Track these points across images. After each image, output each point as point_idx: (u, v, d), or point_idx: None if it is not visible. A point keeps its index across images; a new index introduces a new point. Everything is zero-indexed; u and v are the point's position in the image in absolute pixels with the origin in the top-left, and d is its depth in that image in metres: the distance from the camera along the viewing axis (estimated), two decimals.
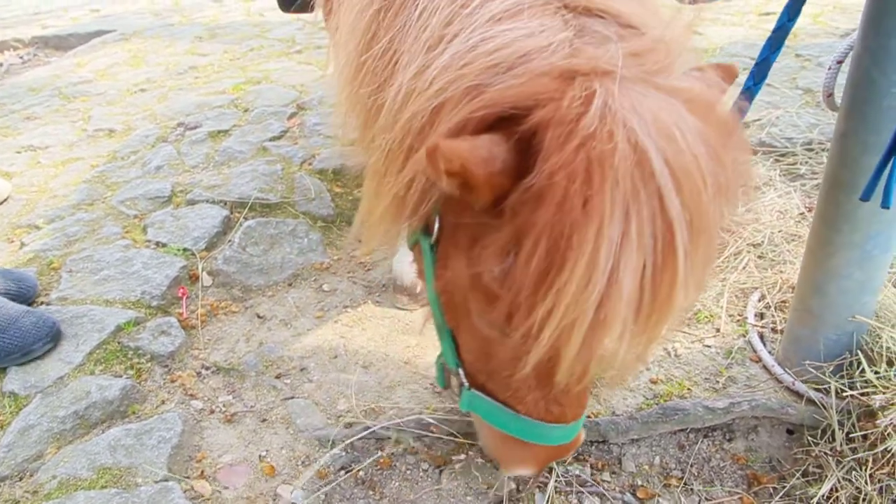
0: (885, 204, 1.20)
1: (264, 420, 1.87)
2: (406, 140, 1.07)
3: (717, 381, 1.85)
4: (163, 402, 1.92)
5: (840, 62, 1.48)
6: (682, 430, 1.71)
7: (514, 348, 1.00)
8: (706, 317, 2.12)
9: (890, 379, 1.53)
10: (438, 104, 1.00)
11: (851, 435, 1.57)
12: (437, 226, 1.12)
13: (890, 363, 1.59)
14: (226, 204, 2.80)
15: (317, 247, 2.61)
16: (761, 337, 1.97)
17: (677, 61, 0.96)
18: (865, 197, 1.24)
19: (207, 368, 2.05)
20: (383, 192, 1.16)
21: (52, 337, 2.04)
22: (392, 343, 2.15)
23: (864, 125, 1.40)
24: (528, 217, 0.85)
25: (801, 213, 2.34)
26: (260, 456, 1.76)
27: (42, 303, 2.28)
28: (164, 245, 2.55)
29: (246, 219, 2.70)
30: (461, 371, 1.29)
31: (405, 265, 2.34)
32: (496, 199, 0.91)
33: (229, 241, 2.58)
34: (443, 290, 1.20)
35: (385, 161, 1.13)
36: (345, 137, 1.26)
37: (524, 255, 0.86)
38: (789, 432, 1.73)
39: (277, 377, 2.02)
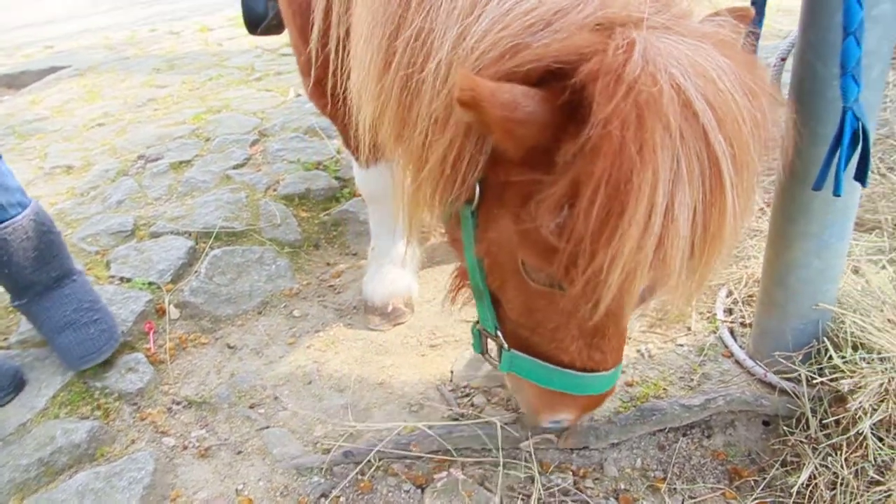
0: (837, 192, 1.23)
1: (239, 452, 1.83)
2: (450, 110, 1.08)
3: (692, 379, 1.86)
4: (133, 442, 1.87)
5: (783, 59, 1.51)
6: (660, 430, 1.72)
7: (570, 299, 1.08)
8: (677, 316, 2.14)
9: (856, 363, 1.55)
10: (482, 67, 1.01)
11: (825, 421, 1.59)
12: (477, 191, 1.16)
13: (855, 347, 1.61)
14: (190, 234, 2.76)
15: (285, 273, 2.59)
16: (731, 332, 1.99)
17: (696, 7, 1.03)
18: (817, 187, 1.27)
19: (178, 403, 2.00)
20: (427, 173, 1.17)
21: (15, 386, 1.98)
22: (366, 365, 2.13)
23: (812, 117, 1.43)
24: (584, 168, 0.89)
25: (760, 209, 2.38)
26: (237, 490, 1.72)
27: (1, 347, 2.22)
28: (128, 280, 2.50)
29: (212, 248, 2.66)
30: (500, 333, 1.34)
31: (375, 285, 2.32)
32: (527, 151, 0.97)
33: (196, 271, 2.55)
34: (486, 253, 1.24)
35: (427, 139, 1.14)
36: (372, 137, 1.28)
37: (584, 205, 0.89)
38: (765, 424, 1.75)
39: (251, 407, 1.99)
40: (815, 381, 1.60)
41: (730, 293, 2.14)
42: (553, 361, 1.26)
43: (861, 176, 1.26)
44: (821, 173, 1.25)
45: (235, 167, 3.38)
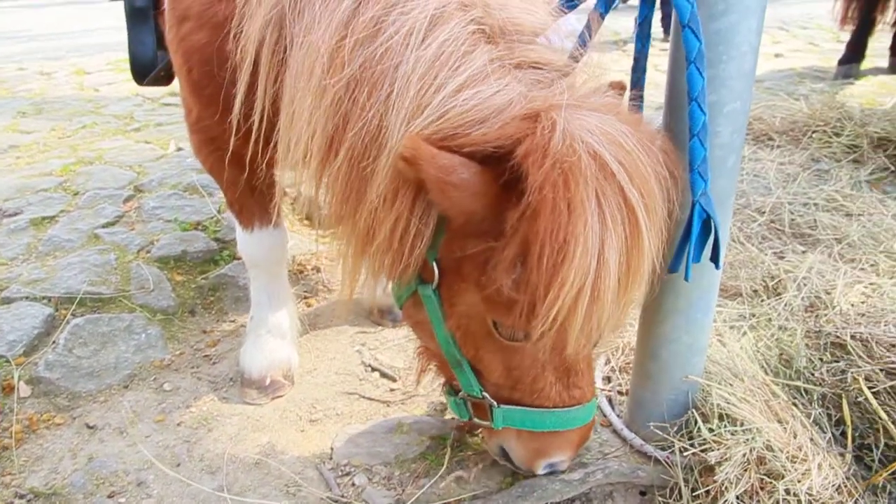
0: (686, 278, 1.37)
1: None
2: (397, 190, 1.24)
3: None
4: None
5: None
6: None
7: (539, 348, 1.32)
8: None
9: (721, 434, 1.62)
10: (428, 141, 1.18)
11: (696, 492, 1.64)
12: (436, 271, 1.32)
13: (721, 418, 1.69)
14: (50, 300, 2.53)
15: (156, 342, 2.42)
16: (610, 401, 2.04)
17: (593, 87, 1.26)
18: (672, 270, 1.39)
19: (23, 497, 1.79)
20: (376, 247, 1.30)
21: None
22: (242, 442, 2.00)
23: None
24: (529, 228, 1.09)
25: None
26: None
27: None
28: None
29: (74, 316, 2.46)
30: (485, 394, 1.48)
31: (253, 356, 2.21)
32: (467, 219, 1.19)
33: (53, 342, 2.33)
34: (457, 326, 1.39)
35: (375, 216, 1.27)
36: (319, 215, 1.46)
37: (534, 260, 1.09)
38: (642, 494, 1.78)
39: (110, 496, 1.81)
40: (686, 453, 1.66)
41: (608, 360, 2.21)
42: (539, 408, 1.44)
43: (715, 259, 1.37)
44: (674, 259, 1.35)
45: (105, 225, 3.17)
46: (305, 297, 2.82)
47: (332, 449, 1.97)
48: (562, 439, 1.52)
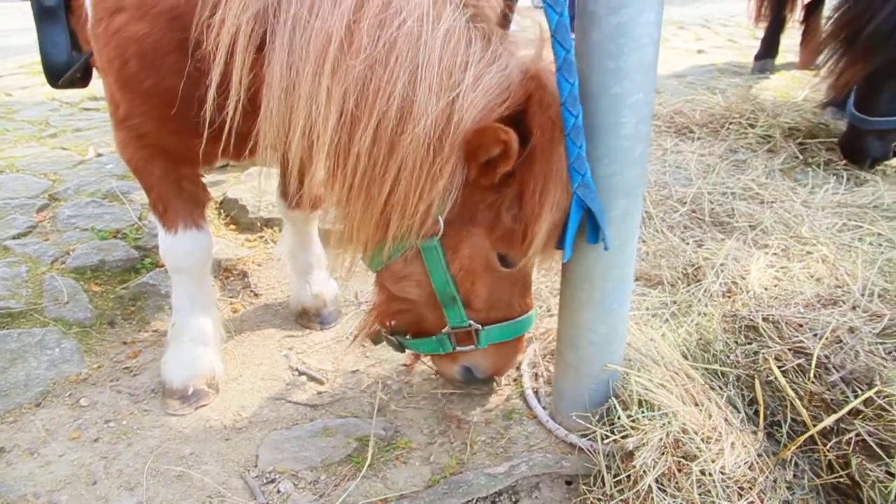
0: (565, 259, 1.56)
1: None
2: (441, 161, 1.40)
3: (499, 444, 1.89)
4: None
5: None
6: (469, 501, 1.71)
7: (512, 273, 1.65)
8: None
9: (639, 420, 1.65)
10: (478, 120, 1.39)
11: (618, 477, 1.67)
12: (441, 225, 1.52)
13: (640, 404, 1.73)
14: None
15: (72, 356, 2.32)
16: (536, 392, 2.06)
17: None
18: (566, 258, 1.55)
19: None
20: (398, 217, 1.46)
21: None
22: (163, 456, 1.94)
23: None
24: (528, 170, 1.41)
25: (558, 271, 2.53)
26: None
27: None
28: None
29: None
30: (471, 321, 1.71)
31: (175, 365, 2.15)
32: (498, 177, 1.44)
33: None
34: (460, 267, 1.61)
35: (401, 182, 1.41)
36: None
37: (529, 195, 1.43)
38: (568, 483, 1.81)
39: None
40: (607, 440, 1.69)
41: (535, 352, 2.23)
42: (509, 320, 1.73)
43: (594, 240, 1.54)
44: (565, 243, 1.49)
45: (17, 237, 3.02)
46: (231, 303, 2.76)
47: (257, 456, 1.92)
48: (518, 343, 1.85)
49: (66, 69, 2.27)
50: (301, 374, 2.30)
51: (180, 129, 1.74)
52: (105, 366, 2.33)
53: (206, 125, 1.55)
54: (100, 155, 4.15)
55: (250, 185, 3.59)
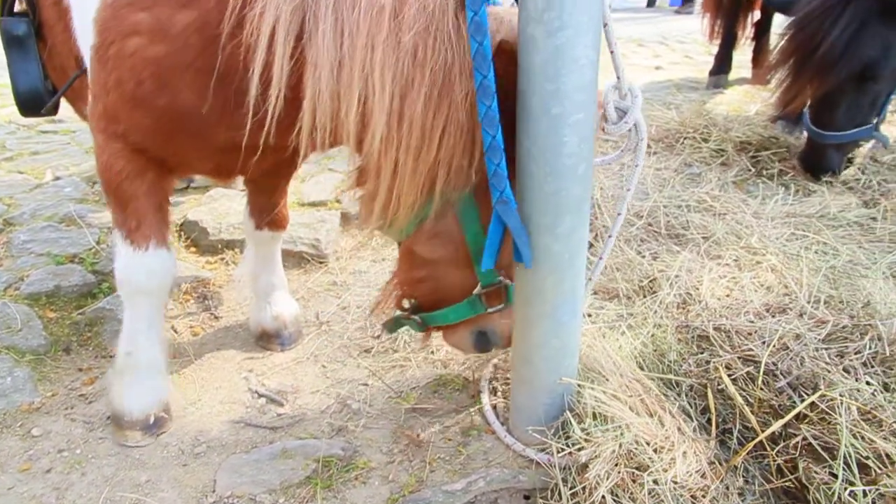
0: (485, 266, 1.58)
1: None
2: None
3: (457, 461, 1.90)
4: None
5: None
6: None
7: None
8: (449, 393, 2.19)
9: (592, 433, 1.68)
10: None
11: (574, 489, 1.69)
12: (474, 176, 1.55)
13: (595, 416, 1.76)
14: None
15: (24, 385, 2.27)
16: (494, 408, 2.08)
17: None
18: (487, 266, 1.59)
19: None
20: (445, 171, 1.53)
21: None
22: (119, 485, 1.91)
23: (535, 209, 1.58)
24: None
25: None
26: None
27: None
28: None
29: None
30: (500, 277, 1.73)
31: (134, 395, 2.11)
32: None
33: None
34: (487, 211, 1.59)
35: (452, 142, 1.49)
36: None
37: None
38: (526, 498, 1.82)
39: None
40: (562, 453, 1.71)
41: (495, 368, 2.25)
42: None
43: (518, 258, 1.58)
44: (485, 257, 1.57)
45: None
46: (191, 326, 2.73)
47: (214, 481, 1.90)
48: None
49: (39, 98, 2.23)
50: (261, 396, 2.28)
51: (190, 141, 1.81)
52: (59, 394, 2.29)
53: (249, 120, 1.60)
54: (57, 178, 4.09)
55: (211, 206, 3.57)
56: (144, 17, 1.66)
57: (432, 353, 2.45)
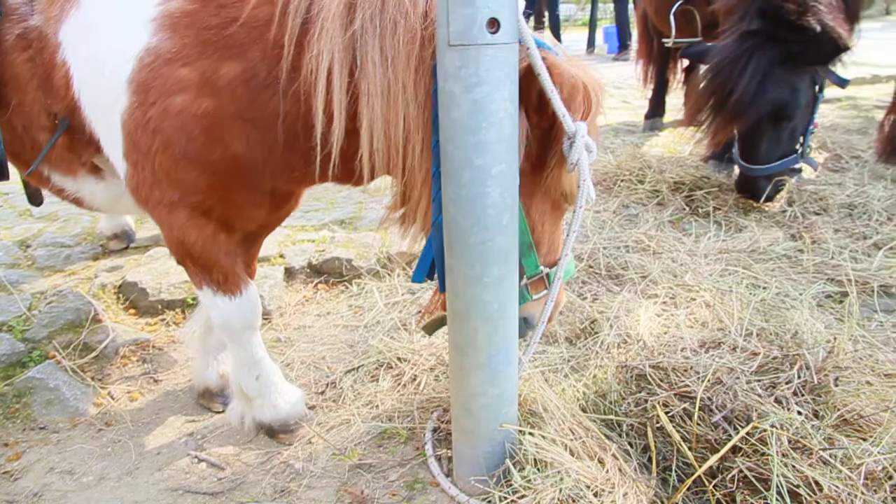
0: (415, 279, 1.77)
1: None
2: None
3: None
4: None
5: None
6: None
7: (561, 209, 1.87)
8: (394, 447, 2.17)
9: (532, 480, 1.68)
10: None
11: None
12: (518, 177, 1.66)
13: (535, 463, 1.76)
14: None
15: None
16: (439, 459, 2.06)
17: None
18: (417, 280, 1.79)
19: None
20: None
21: None
22: None
23: (462, 261, 1.60)
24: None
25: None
26: None
27: None
28: None
29: None
30: (541, 267, 1.85)
31: (281, 404, 2.29)
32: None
33: None
34: (530, 217, 1.78)
35: None
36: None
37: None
38: None
39: None
40: (504, 502, 1.70)
41: (441, 415, 2.24)
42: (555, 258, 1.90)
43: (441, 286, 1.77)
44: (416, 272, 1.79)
45: None
46: (129, 391, 2.65)
47: None
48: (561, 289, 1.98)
49: (3, 166, 2.12)
50: (201, 461, 2.21)
51: (245, 191, 1.89)
52: None
53: (319, 154, 1.70)
54: None
55: (151, 266, 3.50)
56: (188, 73, 1.68)
57: (376, 406, 2.42)
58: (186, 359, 2.86)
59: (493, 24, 1.42)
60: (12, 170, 2.21)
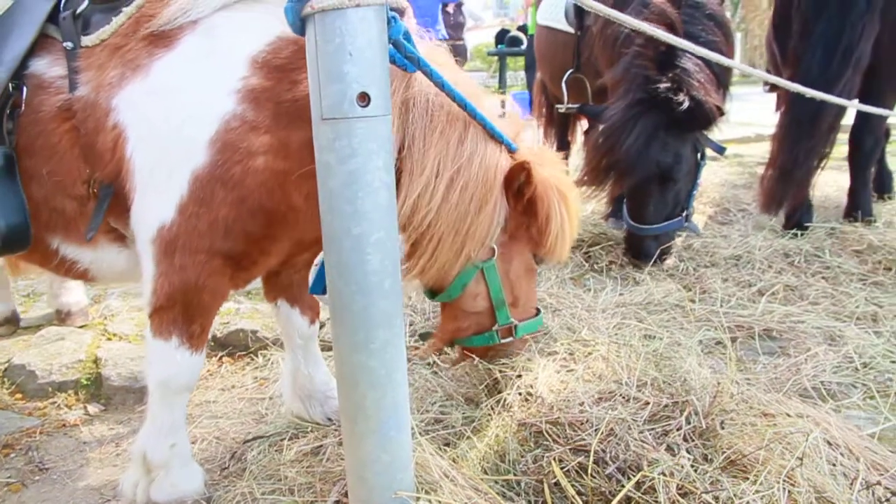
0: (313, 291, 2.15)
1: None
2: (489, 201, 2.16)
3: None
4: None
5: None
6: None
7: (534, 275, 2.56)
8: None
9: None
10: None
11: None
12: (496, 250, 2.27)
13: None
14: None
15: None
16: None
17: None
18: (313, 291, 2.20)
19: None
20: (468, 246, 2.16)
21: None
22: None
23: (345, 328, 1.62)
24: (536, 201, 2.22)
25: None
26: None
27: None
28: None
29: None
30: (512, 319, 2.42)
31: (181, 480, 2.23)
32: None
33: None
34: (507, 279, 2.36)
35: (473, 224, 2.14)
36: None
37: (542, 215, 2.24)
38: None
39: None
40: None
41: (340, 493, 2.19)
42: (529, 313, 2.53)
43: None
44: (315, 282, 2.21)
45: None
46: (9, 484, 2.47)
47: None
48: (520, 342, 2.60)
49: (26, 234, 2.05)
50: None
51: (281, 244, 2.14)
52: None
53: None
54: None
55: (42, 348, 3.33)
56: (269, 139, 1.94)
57: (280, 480, 2.35)
58: (78, 443, 2.71)
59: (364, 98, 1.49)
60: None
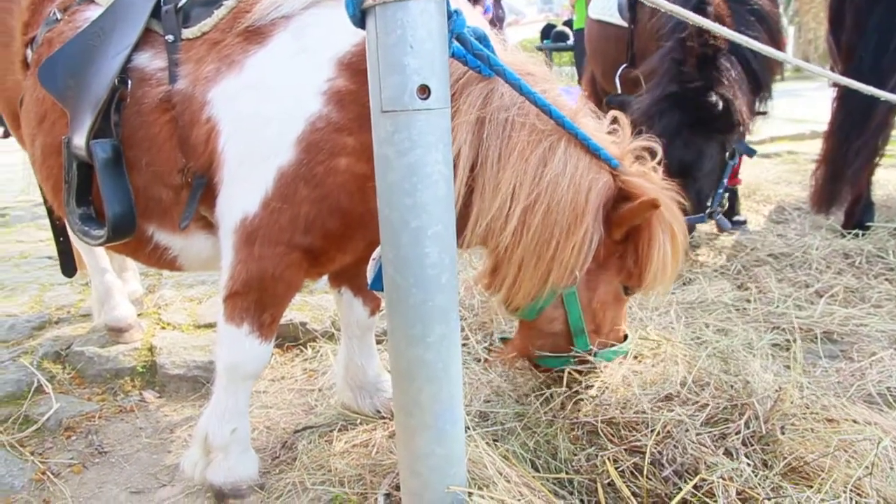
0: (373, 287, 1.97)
1: None
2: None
3: None
4: None
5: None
6: None
7: (623, 304, 2.37)
8: None
9: None
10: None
11: None
12: (578, 276, 2.08)
13: None
14: None
15: None
16: None
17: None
18: (374, 287, 2.00)
19: None
20: (556, 272, 2.04)
21: None
22: None
23: (403, 321, 1.61)
24: (640, 232, 2.12)
25: None
26: None
27: None
28: None
29: None
30: (592, 346, 2.29)
31: (241, 463, 2.27)
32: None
33: None
34: (594, 303, 2.24)
35: (560, 250, 2.00)
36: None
37: (644, 246, 2.12)
38: None
39: None
40: None
41: (390, 484, 2.19)
42: (615, 339, 2.38)
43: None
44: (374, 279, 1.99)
45: None
46: (71, 465, 2.55)
47: None
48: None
49: (132, 221, 2.14)
50: None
51: (356, 243, 2.14)
52: None
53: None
54: None
55: (100, 335, 3.42)
56: (352, 141, 1.96)
57: (330, 471, 2.37)
58: (135, 428, 2.78)
59: (424, 91, 1.47)
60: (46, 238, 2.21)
